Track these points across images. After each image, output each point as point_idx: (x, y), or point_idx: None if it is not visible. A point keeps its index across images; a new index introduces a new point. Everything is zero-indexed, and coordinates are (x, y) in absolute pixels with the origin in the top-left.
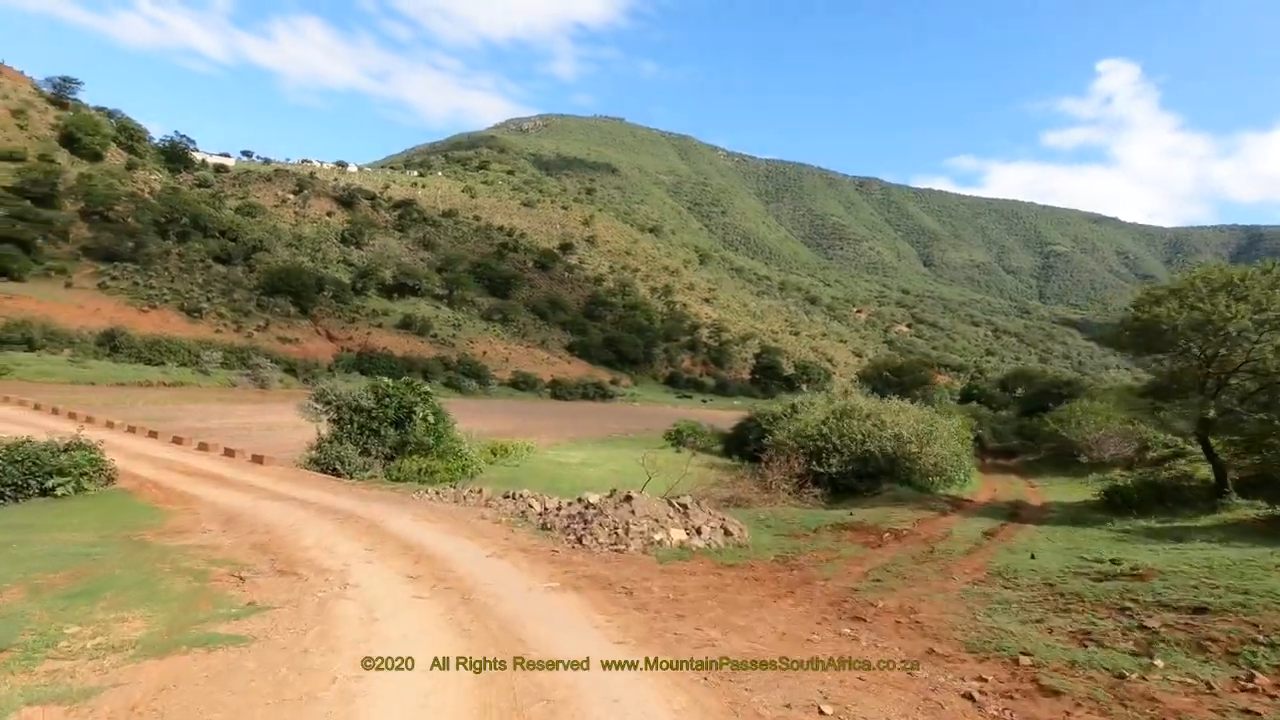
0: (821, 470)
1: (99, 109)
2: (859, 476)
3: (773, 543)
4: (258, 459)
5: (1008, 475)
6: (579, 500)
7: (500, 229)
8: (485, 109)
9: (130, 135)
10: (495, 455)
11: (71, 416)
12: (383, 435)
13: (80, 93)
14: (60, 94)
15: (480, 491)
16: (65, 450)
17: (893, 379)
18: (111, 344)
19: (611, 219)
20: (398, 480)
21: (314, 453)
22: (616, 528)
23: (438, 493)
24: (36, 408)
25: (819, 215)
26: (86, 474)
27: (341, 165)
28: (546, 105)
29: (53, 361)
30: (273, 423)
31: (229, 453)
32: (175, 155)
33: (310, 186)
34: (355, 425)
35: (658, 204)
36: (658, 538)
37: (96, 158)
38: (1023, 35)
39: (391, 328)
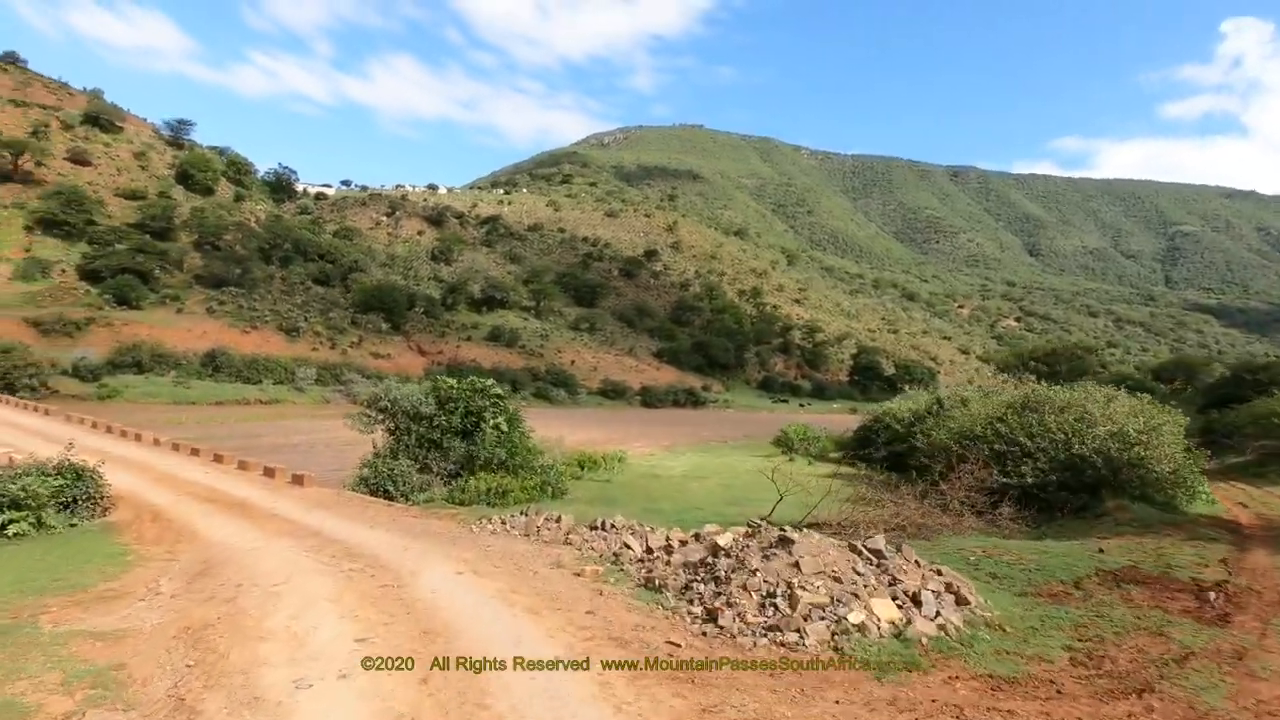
0: (1012, 482)
1: (211, 148)
2: (1067, 489)
3: (1029, 614)
4: (298, 479)
5: (1223, 482)
6: (698, 538)
7: (584, 239)
8: (567, 127)
9: (238, 169)
10: (582, 468)
11: (122, 434)
12: (446, 448)
13: (194, 133)
14: (176, 135)
15: (558, 521)
16: (38, 475)
17: (1043, 368)
18: (213, 365)
19: (695, 224)
20: (461, 503)
21: (364, 470)
22: (773, 593)
23: (505, 521)
24: (94, 426)
25: (911, 209)
26: (68, 504)
27: (432, 188)
28: (626, 118)
29: (158, 383)
30: (354, 438)
31: (269, 472)
32: (279, 186)
33: (402, 208)
34: (414, 436)
35: (741, 208)
36: (853, 618)
37: (208, 192)
38: (1131, 1)
39: (480, 340)
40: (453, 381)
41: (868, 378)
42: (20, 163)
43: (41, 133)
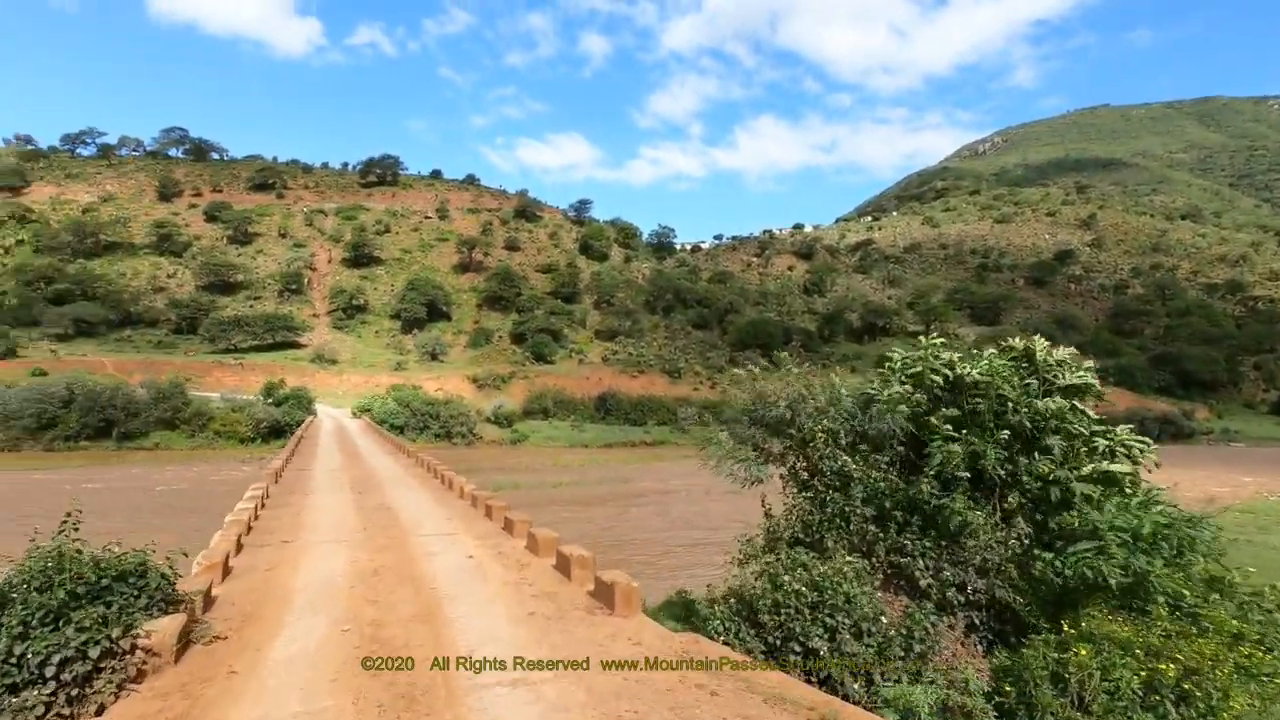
0: None
1: (606, 221)
2: None
3: None
4: (604, 595)
5: None
6: None
7: (973, 252)
8: (934, 146)
9: (626, 235)
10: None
11: (441, 479)
12: (955, 531)
13: (592, 210)
14: (579, 215)
15: None
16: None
17: None
18: (605, 408)
19: (1120, 214)
20: None
21: (741, 581)
22: None
23: None
24: (426, 469)
25: None
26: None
27: (798, 228)
28: (1003, 121)
29: (558, 427)
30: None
31: (562, 566)
32: (661, 246)
33: (771, 247)
34: (861, 494)
35: (1181, 188)
36: None
37: (603, 258)
38: None
39: (866, 370)
40: (943, 349)
41: None
42: (474, 255)
43: (487, 230)
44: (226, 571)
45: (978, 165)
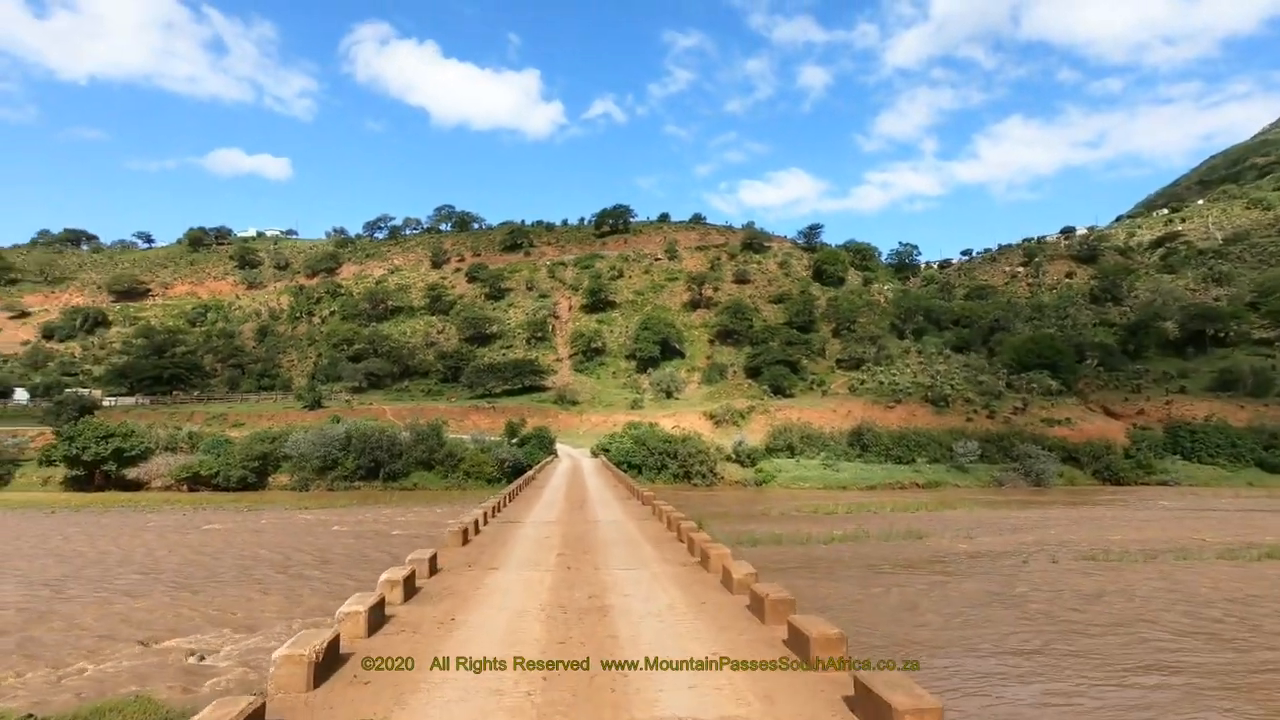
0: None
1: (841, 245)
2: None
3: None
4: None
5: None
6: None
7: None
8: (1241, 120)
9: (863, 257)
10: None
11: (689, 542)
12: None
13: (823, 235)
14: (809, 241)
15: None
16: None
17: None
18: (860, 443)
19: None
20: None
21: None
22: None
23: None
24: (674, 529)
25: None
26: None
27: (1067, 232)
28: None
29: (807, 465)
30: (1125, 543)
31: None
32: (902, 264)
33: (1040, 253)
34: None
35: None
36: None
37: (839, 283)
38: None
39: (1200, 391)
40: None
41: None
42: (703, 291)
43: (715, 265)
44: None
45: None
